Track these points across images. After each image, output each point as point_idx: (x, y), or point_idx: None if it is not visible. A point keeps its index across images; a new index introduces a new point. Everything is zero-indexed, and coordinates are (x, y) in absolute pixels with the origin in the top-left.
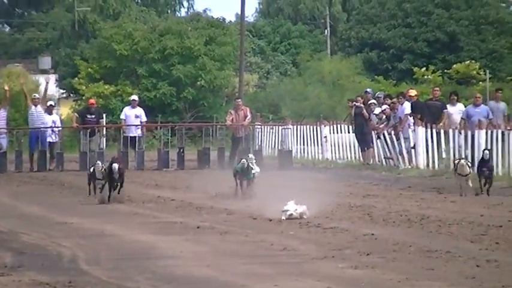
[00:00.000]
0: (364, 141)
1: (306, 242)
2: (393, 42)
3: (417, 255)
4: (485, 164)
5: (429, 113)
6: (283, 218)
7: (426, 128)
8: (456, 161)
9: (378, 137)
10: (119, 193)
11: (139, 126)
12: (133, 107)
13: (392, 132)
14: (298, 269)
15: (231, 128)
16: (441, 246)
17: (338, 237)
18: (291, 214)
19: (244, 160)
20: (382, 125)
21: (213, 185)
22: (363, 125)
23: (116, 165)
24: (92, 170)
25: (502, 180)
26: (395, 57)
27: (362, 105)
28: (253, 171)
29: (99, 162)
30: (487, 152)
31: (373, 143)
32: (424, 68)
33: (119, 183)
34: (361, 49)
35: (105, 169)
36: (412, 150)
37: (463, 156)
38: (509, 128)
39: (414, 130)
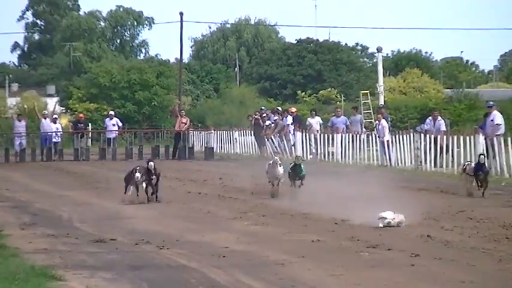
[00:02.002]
0: (260, 142)
1: (223, 208)
2: (280, 76)
3: (296, 217)
4: (480, 167)
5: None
6: (381, 225)
7: (302, 132)
8: (466, 163)
9: (269, 138)
10: (156, 194)
11: (117, 130)
12: (111, 119)
13: (277, 136)
14: (217, 225)
15: (175, 131)
16: (309, 209)
17: (243, 204)
18: (389, 222)
19: (276, 159)
20: (270, 131)
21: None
22: (259, 130)
23: (152, 163)
24: (132, 172)
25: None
26: (282, 86)
27: (259, 117)
28: (281, 172)
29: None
30: (482, 156)
31: (265, 143)
32: (303, 93)
33: (155, 184)
34: (259, 80)
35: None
36: (293, 147)
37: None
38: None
39: (294, 134)
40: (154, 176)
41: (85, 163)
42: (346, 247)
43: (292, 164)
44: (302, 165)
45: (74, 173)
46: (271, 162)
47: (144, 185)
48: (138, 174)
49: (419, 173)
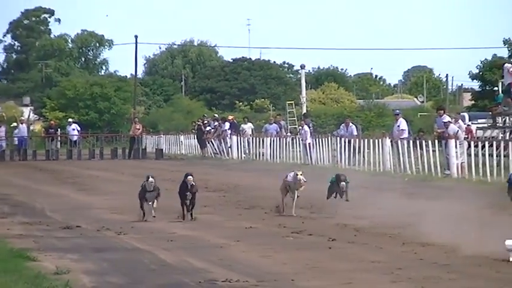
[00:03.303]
0: (202, 144)
1: (174, 199)
2: (219, 89)
3: (232, 206)
4: None
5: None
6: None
7: (237, 136)
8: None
9: (209, 141)
10: (191, 211)
11: (77, 134)
12: (70, 125)
13: (217, 139)
14: (167, 214)
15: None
16: (243, 200)
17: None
18: None
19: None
20: (210, 135)
21: (120, 165)
22: (201, 135)
23: (190, 177)
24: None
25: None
26: (220, 97)
27: (201, 123)
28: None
29: (152, 179)
30: None
31: (206, 145)
32: (240, 103)
33: (192, 200)
34: (201, 92)
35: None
36: (229, 149)
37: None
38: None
39: (231, 138)
40: (188, 192)
41: (55, 162)
42: (275, 233)
43: (333, 181)
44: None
45: (47, 170)
46: (293, 174)
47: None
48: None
49: (336, 170)
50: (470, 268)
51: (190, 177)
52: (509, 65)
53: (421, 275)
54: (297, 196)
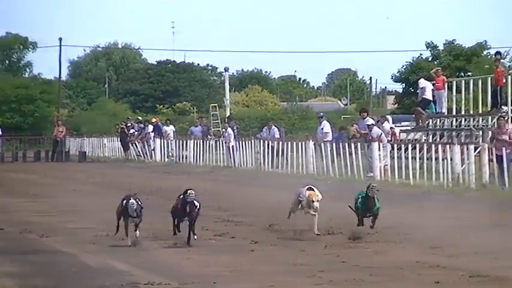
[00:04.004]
0: (125, 146)
1: (96, 202)
2: (143, 91)
3: (154, 208)
4: None
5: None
6: None
7: (161, 139)
8: None
9: (132, 144)
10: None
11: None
12: None
13: (140, 141)
14: (89, 216)
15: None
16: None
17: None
18: None
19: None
20: (134, 137)
21: (43, 167)
22: (125, 137)
23: (192, 193)
24: (123, 204)
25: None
26: (144, 100)
27: (124, 126)
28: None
29: (133, 200)
30: None
31: (130, 147)
32: (161, 106)
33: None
34: (125, 95)
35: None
36: (153, 151)
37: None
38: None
39: (154, 140)
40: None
41: None
42: (198, 236)
43: (363, 196)
44: (376, 198)
45: None
46: (305, 189)
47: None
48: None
49: (259, 172)
50: (392, 271)
51: (191, 191)
52: (423, 80)
53: (343, 277)
54: (314, 213)
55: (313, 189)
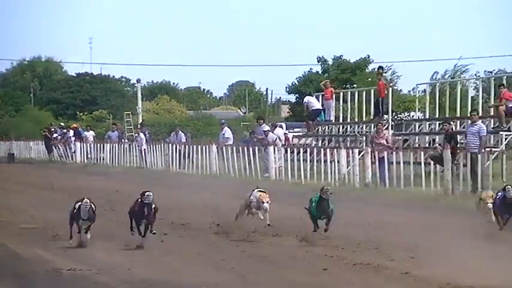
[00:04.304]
0: (49, 149)
1: (25, 197)
2: (64, 100)
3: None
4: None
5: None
6: None
7: (81, 143)
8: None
9: (56, 147)
10: (146, 232)
11: None
12: None
13: (62, 145)
14: (18, 208)
15: None
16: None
17: (39, 194)
18: None
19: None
20: (57, 141)
21: None
22: (48, 141)
23: (150, 194)
24: (76, 207)
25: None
26: (65, 108)
27: (47, 131)
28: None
29: (87, 200)
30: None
31: (53, 150)
32: (81, 113)
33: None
34: (48, 103)
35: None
36: (74, 154)
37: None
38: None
39: (75, 144)
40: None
41: None
42: (114, 228)
43: (317, 199)
44: (329, 200)
45: None
46: (256, 191)
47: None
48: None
49: (168, 173)
50: (286, 260)
51: (149, 193)
52: (309, 97)
53: (243, 265)
54: (264, 214)
55: (263, 192)
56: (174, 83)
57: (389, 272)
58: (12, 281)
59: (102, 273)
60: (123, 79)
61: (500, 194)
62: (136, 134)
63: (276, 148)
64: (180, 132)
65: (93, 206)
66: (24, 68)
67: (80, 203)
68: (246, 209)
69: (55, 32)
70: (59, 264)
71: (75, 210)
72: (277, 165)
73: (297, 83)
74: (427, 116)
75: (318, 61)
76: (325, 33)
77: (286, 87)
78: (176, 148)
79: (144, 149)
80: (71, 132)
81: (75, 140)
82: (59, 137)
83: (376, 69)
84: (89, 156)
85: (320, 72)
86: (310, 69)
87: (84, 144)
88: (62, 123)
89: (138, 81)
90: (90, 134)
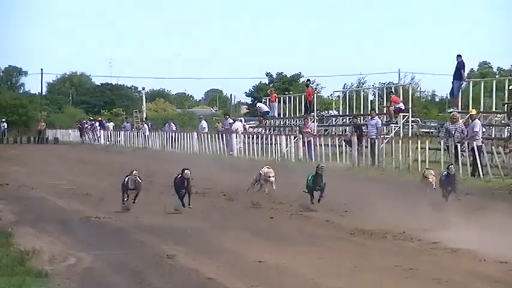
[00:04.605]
0: (82, 135)
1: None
2: (92, 102)
3: (100, 172)
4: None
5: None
6: None
7: (104, 130)
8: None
9: (86, 133)
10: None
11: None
12: (2, 122)
13: None
14: (55, 176)
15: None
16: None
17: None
18: None
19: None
20: (87, 129)
21: (32, 147)
22: (81, 129)
23: (188, 172)
24: (126, 180)
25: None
26: (93, 107)
27: (80, 123)
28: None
29: (135, 172)
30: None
31: (84, 135)
32: (103, 110)
33: (187, 192)
34: (81, 104)
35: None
36: (98, 138)
37: None
38: None
39: (100, 131)
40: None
41: None
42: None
43: (313, 174)
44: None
45: None
46: (264, 167)
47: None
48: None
49: (163, 152)
50: (239, 211)
51: (187, 170)
52: (259, 103)
53: (219, 216)
54: (271, 187)
55: (269, 168)
56: (167, 90)
57: (315, 220)
58: (54, 225)
59: (119, 220)
60: (133, 87)
61: (444, 172)
62: (142, 125)
63: (237, 135)
64: (172, 124)
65: (138, 178)
66: (65, 79)
67: (129, 176)
68: (256, 183)
69: (86, 54)
70: (88, 214)
71: (125, 183)
72: (238, 146)
73: (252, 90)
74: (341, 113)
75: (266, 75)
76: (272, 54)
77: (245, 93)
78: (169, 135)
79: (147, 135)
80: (97, 123)
81: (100, 129)
82: (88, 126)
83: (305, 81)
84: (110, 140)
85: (267, 83)
86: (260, 81)
87: (106, 131)
88: (91, 118)
89: (143, 88)
90: (110, 125)
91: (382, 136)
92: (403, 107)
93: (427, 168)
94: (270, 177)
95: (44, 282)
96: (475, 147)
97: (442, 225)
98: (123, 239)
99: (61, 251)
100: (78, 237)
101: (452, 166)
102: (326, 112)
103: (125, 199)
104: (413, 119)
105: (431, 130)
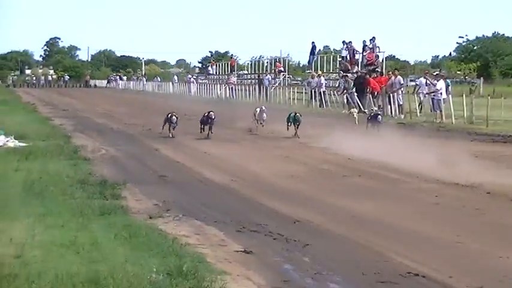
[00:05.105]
0: (109, 82)
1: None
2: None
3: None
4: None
5: None
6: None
7: (121, 81)
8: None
9: (111, 82)
10: (211, 132)
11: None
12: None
13: None
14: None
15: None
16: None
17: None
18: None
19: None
20: (113, 79)
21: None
22: (108, 79)
23: (212, 113)
24: (168, 116)
25: None
26: (116, 69)
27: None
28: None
29: (175, 112)
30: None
31: (111, 83)
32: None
33: (211, 126)
34: (109, 66)
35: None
36: (118, 85)
37: None
38: None
39: (119, 81)
40: (211, 120)
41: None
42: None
43: (291, 114)
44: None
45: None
46: (259, 108)
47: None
48: (174, 118)
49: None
50: (241, 137)
51: (212, 112)
52: (207, 68)
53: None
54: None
55: (263, 108)
56: (156, 59)
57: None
58: (93, 132)
59: (130, 130)
60: (137, 58)
61: (369, 112)
62: (141, 78)
63: (193, 84)
64: (158, 77)
65: (175, 116)
66: (101, 53)
67: (170, 114)
68: (254, 117)
69: (113, 34)
70: (113, 126)
71: (167, 117)
72: (194, 90)
73: (201, 60)
74: (249, 72)
75: (209, 52)
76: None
77: (197, 61)
78: (156, 84)
79: (145, 84)
80: (118, 77)
81: (119, 80)
82: (112, 78)
83: (230, 55)
84: (125, 86)
85: (210, 56)
86: (207, 56)
87: (122, 81)
88: (114, 74)
89: (143, 58)
90: (124, 78)
91: (272, 85)
92: (283, 69)
93: (352, 108)
94: (263, 114)
95: (88, 163)
96: (322, 92)
97: (332, 138)
98: (133, 140)
99: (97, 146)
100: (107, 139)
101: (376, 108)
102: (241, 72)
103: (163, 129)
104: (288, 76)
105: (298, 82)
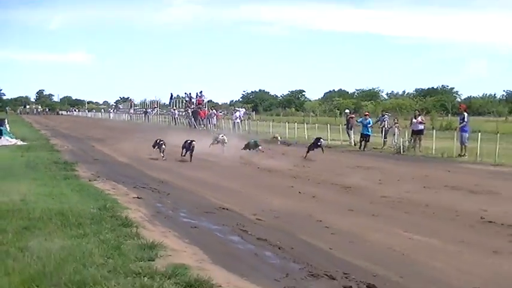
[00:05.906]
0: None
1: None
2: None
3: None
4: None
5: None
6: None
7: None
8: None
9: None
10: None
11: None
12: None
13: None
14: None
15: None
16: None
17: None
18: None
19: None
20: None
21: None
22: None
23: (194, 142)
24: (188, 143)
25: None
26: None
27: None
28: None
29: (194, 140)
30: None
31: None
32: None
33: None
34: None
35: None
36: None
37: None
38: None
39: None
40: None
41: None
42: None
43: (254, 140)
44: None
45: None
46: (220, 136)
47: (163, 148)
48: (163, 145)
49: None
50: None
51: (194, 141)
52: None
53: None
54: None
55: (224, 135)
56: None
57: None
58: (63, 137)
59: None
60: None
61: (315, 139)
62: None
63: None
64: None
65: (194, 143)
66: (64, 98)
67: (189, 141)
68: (215, 141)
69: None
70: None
71: (186, 144)
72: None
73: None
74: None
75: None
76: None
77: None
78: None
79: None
80: (74, 109)
81: (74, 111)
82: (72, 110)
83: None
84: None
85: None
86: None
87: (76, 112)
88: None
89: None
90: (77, 110)
91: (153, 115)
92: (157, 106)
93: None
94: (225, 140)
95: (58, 152)
96: (177, 117)
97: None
98: (81, 141)
99: (62, 144)
100: (69, 141)
101: (321, 138)
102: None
103: (183, 155)
104: (159, 109)
105: (163, 113)
